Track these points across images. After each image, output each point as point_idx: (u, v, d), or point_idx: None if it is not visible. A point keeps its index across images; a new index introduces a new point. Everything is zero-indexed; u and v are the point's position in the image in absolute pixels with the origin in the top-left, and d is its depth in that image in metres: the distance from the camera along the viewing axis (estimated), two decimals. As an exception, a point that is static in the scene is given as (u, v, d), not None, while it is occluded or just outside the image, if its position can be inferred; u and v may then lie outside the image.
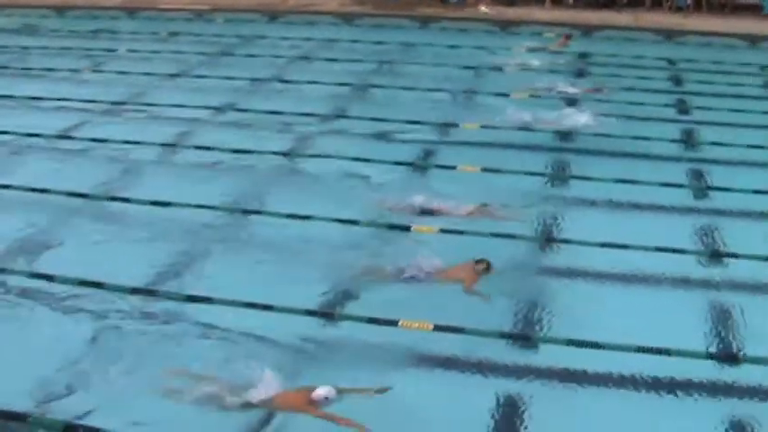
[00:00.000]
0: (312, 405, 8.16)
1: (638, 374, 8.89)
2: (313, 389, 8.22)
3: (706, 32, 25.13)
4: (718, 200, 13.40)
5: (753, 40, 24.70)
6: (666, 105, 18.14)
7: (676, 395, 8.66)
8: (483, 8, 27.45)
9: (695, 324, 9.91)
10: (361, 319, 9.77)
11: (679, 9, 27.64)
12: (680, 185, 13.90)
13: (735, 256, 11.49)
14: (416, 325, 9.58)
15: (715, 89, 19.36)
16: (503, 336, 9.57)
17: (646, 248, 11.42)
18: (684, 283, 10.83)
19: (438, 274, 10.67)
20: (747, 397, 8.69)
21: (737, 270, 11.16)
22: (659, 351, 9.18)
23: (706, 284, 10.86)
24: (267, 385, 8.38)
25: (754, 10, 28.08)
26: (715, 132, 16.30)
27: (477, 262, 10.64)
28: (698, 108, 17.98)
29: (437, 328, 9.53)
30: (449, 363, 9.07)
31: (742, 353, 9.39)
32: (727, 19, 26.92)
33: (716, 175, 14.27)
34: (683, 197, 13.49)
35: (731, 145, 15.50)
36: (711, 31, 25.30)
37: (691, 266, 11.26)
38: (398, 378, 8.70)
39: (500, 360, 9.14)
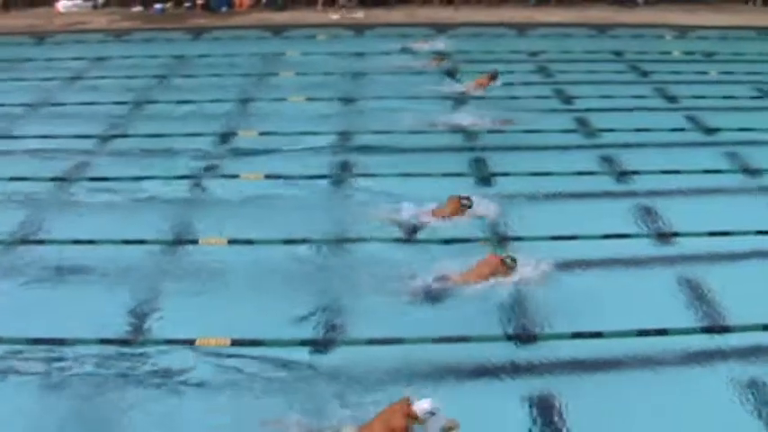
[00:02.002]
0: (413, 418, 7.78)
1: (441, 363, 9.00)
2: (409, 402, 7.83)
3: (477, 23, 25.78)
4: (500, 185, 13.71)
5: (520, 29, 25.52)
6: (444, 98, 18.42)
7: (480, 378, 8.82)
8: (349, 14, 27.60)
9: (493, 309, 10.11)
10: (159, 342, 9.49)
11: (450, 2, 28.26)
12: (462, 174, 14.14)
13: (520, 239, 11.82)
14: (214, 342, 9.38)
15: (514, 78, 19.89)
16: (303, 343, 9.50)
17: (437, 242, 11.61)
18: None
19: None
20: (546, 373, 8.91)
21: (528, 252, 11.36)
22: (459, 339, 9.35)
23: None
24: None
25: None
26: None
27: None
28: (473, 98, 18.31)
29: (235, 342, 9.37)
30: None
31: (539, 332, 9.64)
32: (496, 9, 27.72)
33: (496, 162, 14.63)
34: (467, 186, 13.67)
35: (507, 131, 15.92)
36: (482, 21, 25.98)
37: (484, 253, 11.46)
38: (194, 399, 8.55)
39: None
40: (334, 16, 27.37)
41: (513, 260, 10.69)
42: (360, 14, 27.32)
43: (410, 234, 11.98)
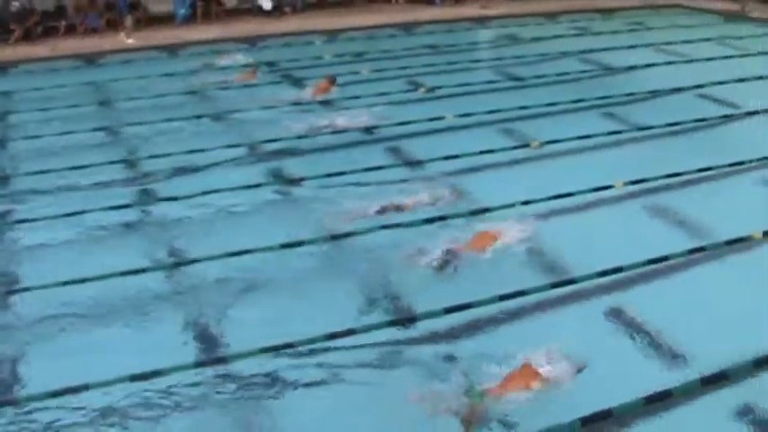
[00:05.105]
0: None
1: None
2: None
3: (127, 49, 25.35)
4: (164, 208, 13.54)
5: (172, 50, 25.27)
6: (98, 129, 17.86)
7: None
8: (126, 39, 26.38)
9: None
10: None
11: (94, 31, 27.51)
12: (128, 206, 13.74)
13: (193, 262, 11.67)
14: None
15: (147, 103, 19.45)
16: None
17: (109, 276, 11.15)
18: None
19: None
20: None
21: (202, 272, 11.34)
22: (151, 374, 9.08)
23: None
24: None
25: (170, 20, 28.84)
26: (151, 146, 16.37)
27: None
28: (131, 124, 17.86)
29: None
30: None
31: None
32: (145, 34, 27.32)
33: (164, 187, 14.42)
34: (133, 215, 13.43)
35: (168, 155, 15.64)
36: (134, 47, 25.56)
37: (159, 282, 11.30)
38: None
39: None
40: (129, 41, 26.41)
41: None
42: (131, 40, 26.50)
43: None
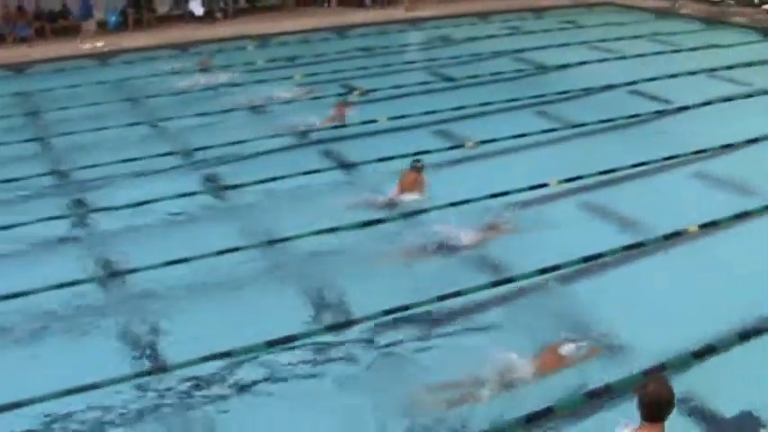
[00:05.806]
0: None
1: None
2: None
3: (57, 58, 24.96)
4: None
5: (102, 59, 25.02)
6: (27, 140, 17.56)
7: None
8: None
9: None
10: None
11: (24, 40, 27.06)
12: (60, 217, 13.48)
13: (133, 271, 11.48)
14: None
15: (79, 112, 19.16)
16: None
17: (45, 288, 10.89)
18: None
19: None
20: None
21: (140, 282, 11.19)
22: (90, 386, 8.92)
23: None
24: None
25: (101, 27, 28.47)
26: (85, 156, 16.10)
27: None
28: (64, 134, 17.60)
29: None
30: None
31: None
32: (71, 43, 26.93)
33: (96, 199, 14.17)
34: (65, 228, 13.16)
35: (104, 164, 15.42)
36: (60, 56, 25.17)
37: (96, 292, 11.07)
38: None
39: None
40: (86, 46, 26.09)
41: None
42: (101, 44, 26.31)
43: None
